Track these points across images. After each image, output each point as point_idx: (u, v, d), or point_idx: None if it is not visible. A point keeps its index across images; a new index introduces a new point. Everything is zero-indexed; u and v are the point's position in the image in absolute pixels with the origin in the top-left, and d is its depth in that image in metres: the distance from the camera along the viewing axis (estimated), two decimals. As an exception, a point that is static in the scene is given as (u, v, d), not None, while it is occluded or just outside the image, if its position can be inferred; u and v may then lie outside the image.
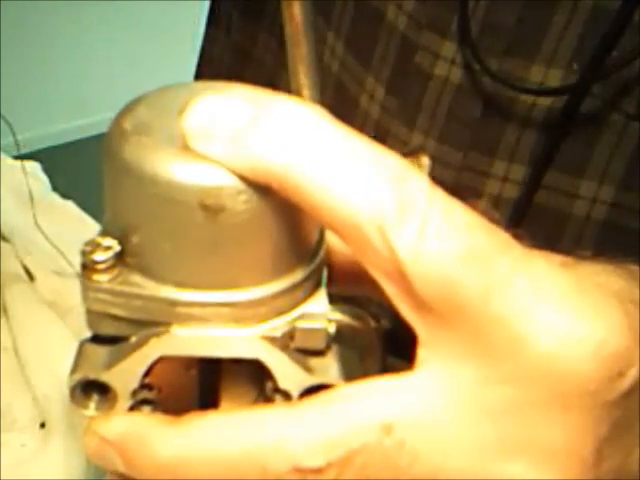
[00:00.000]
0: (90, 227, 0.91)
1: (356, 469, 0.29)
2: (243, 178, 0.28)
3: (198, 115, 0.29)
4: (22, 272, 0.80)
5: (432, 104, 0.53)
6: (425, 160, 0.54)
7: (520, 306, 0.28)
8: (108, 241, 0.31)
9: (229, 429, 0.30)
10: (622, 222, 0.51)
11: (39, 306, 0.73)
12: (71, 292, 0.75)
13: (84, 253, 0.31)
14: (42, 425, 0.64)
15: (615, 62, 0.48)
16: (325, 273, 0.33)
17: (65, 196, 1.03)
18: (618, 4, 0.47)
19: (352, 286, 0.34)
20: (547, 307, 0.28)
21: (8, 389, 0.66)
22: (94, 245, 0.31)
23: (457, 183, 0.54)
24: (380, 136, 0.57)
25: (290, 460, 0.29)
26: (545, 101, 0.50)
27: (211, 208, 0.29)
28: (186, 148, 0.29)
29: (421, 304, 0.28)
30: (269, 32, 0.64)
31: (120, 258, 0.31)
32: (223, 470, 0.30)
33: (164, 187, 0.29)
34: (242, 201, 0.29)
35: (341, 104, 0.60)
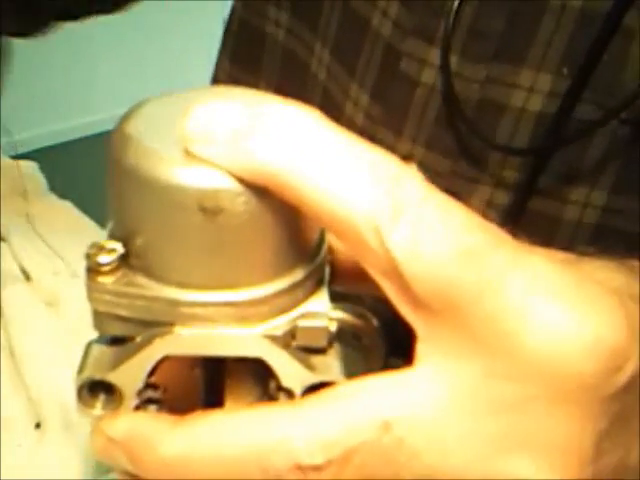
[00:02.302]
0: (88, 227, 0.91)
1: (355, 467, 0.30)
2: (242, 180, 0.29)
3: (198, 119, 0.29)
4: (19, 272, 0.80)
5: (419, 111, 0.53)
6: (413, 168, 0.55)
7: (516, 302, 0.28)
8: (112, 244, 0.31)
9: (231, 428, 0.30)
10: (614, 225, 0.51)
11: (35, 306, 0.73)
12: (68, 293, 0.75)
13: (89, 256, 0.31)
14: (37, 425, 0.63)
15: (603, 68, 0.48)
16: (327, 271, 0.33)
17: (62, 196, 1.02)
18: (606, 7, 0.46)
19: (355, 283, 0.34)
20: (543, 302, 0.28)
21: (3, 389, 0.66)
22: (98, 248, 0.31)
23: (447, 190, 0.54)
24: None
25: (291, 458, 0.29)
26: (535, 107, 0.50)
27: (210, 210, 0.29)
28: (187, 152, 0.30)
29: (418, 302, 0.29)
30: (277, 6, 0.64)
31: (124, 260, 0.31)
32: (226, 469, 0.30)
33: (164, 190, 0.29)
34: (241, 203, 0.29)
35: (327, 112, 0.60)
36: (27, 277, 0.80)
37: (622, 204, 0.51)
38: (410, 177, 0.29)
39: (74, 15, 0.78)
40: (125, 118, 0.32)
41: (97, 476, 0.61)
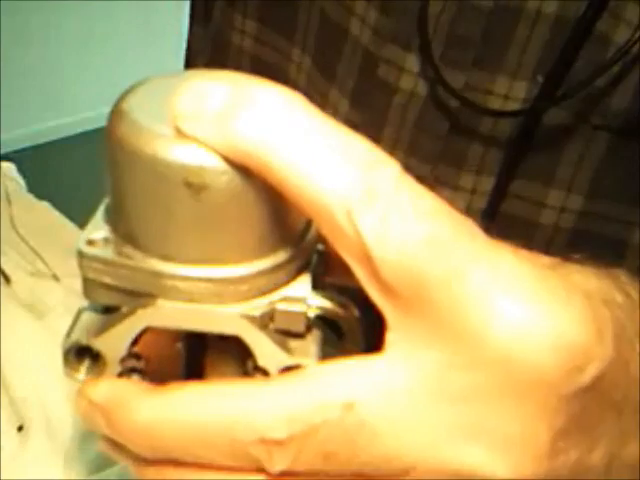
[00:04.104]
0: (66, 228, 0.91)
1: (317, 444, 0.30)
2: (227, 159, 0.30)
3: (187, 97, 0.30)
4: (-2, 274, 0.80)
5: (398, 117, 0.53)
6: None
7: (479, 293, 0.28)
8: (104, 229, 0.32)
9: (202, 399, 0.31)
10: (591, 229, 0.51)
11: (15, 308, 0.73)
12: (48, 294, 0.75)
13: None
14: (20, 428, 0.63)
15: (577, 74, 0.48)
16: (315, 259, 0.34)
17: (40, 197, 1.02)
18: (579, 13, 0.47)
19: (347, 275, 0.34)
20: (506, 295, 0.29)
21: (-15, 392, 0.66)
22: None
23: None
24: None
25: (256, 431, 0.30)
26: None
27: (194, 186, 0.30)
28: (176, 129, 0.30)
29: (387, 288, 0.29)
30: (243, 15, 0.64)
31: (116, 230, 0.32)
32: (194, 437, 0.31)
33: (151, 163, 0.30)
34: (225, 181, 0.30)
35: None
36: (6, 279, 0.79)
37: (599, 208, 0.51)
38: (385, 162, 0.30)
39: None
40: (122, 95, 0.33)
41: (81, 477, 0.60)
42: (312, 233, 0.34)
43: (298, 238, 0.33)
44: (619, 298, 0.32)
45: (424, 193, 0.30)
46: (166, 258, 0.31)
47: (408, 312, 0.29)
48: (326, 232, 0.30)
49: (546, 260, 0.33)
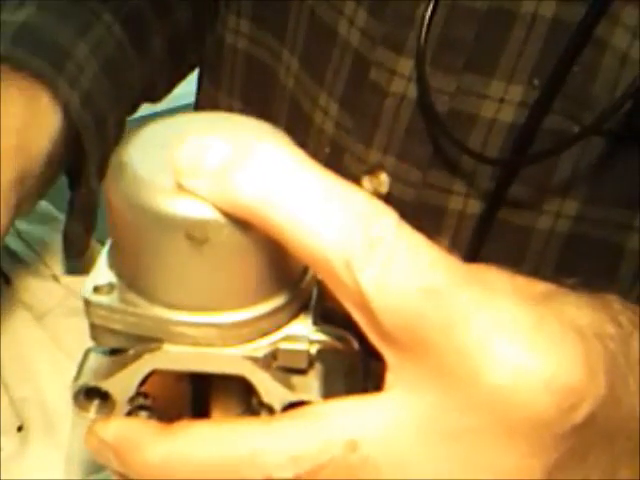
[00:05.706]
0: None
1: None
2: (226, 213, 0.31)
3: (187, 152, 0.31)
4: (-3, 275, 0.79)
5: (390, 121, 0.53)
6: (384, 178, 0.55)
7: (477, 339, 0.30)
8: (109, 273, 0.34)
9: (209, 439, 0.32)
10: (586, 234, 0.51)
11: (15, 309, 0.73)
12: (47, 295, 0.75)
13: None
14: (19, 428, 0.63)
15: (573, 79, 0.48)
16: (315, 292, 0.35)
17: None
18: (578, 17, 0.47)
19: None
20: (502, 340, 0.30)
21: (-15, 392, 0.66)
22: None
23: (418, 200, 0.54)
24: (336, 153, 0.57)
25: (262, 471, 0.31)
26: (506, 117, 0.50)
27: (197, 239, 0.31)
28: (177, 182, 0.31)
29: (386, 334, 0.31)
30: (237, 15, 0.64)
31: (120, 276, 0.34)
32: (202, 475, 0.32)
33: (154, 218, 0.31)
34: (225, 234, 0.31)
35: (296, 121, 0.59)
36: (6, 279, 0.79)
37: (595, 214, 0.51)
38: (383, 213, 0.31)
39: None
40: (121, 145, 0.33)
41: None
42: (311, 273, 0.35)
43: (297, 280, 0.34)
44: (612, 330, 0.33)
45: (422, 242, 0.31)
46: (170, 306, 0.33)
47: (407, 356, 0.31)
48: (326, 281, 0.31)
49: (541, 288, 0.34)
